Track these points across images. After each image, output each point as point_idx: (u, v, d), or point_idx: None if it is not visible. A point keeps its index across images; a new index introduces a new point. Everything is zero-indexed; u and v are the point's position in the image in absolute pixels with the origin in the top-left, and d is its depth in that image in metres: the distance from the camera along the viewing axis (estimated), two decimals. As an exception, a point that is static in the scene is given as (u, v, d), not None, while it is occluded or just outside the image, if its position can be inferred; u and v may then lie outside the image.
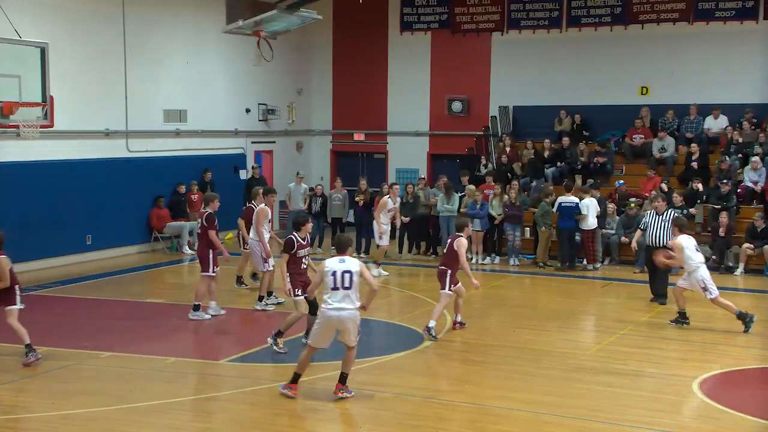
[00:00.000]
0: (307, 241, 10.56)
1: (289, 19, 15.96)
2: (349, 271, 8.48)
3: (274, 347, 10.51)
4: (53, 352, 10.47)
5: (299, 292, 10.27)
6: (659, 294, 13.82)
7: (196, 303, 12.36)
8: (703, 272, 12.01)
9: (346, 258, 8.61)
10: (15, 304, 9.86)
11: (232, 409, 8.68)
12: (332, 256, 8.84)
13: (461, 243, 11.33)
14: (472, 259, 17.91)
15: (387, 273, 16.43)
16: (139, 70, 18.54)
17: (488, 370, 10.23)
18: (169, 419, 8.28)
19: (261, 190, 13.83)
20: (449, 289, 11.42)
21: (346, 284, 8.46)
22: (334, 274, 8.47)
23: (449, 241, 11.56)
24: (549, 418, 8.39)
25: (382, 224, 16.60)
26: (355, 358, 8.85)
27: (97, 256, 17.62)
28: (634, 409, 8.74)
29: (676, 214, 13.45)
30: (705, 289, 11.96)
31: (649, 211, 14.51)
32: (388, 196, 16.92)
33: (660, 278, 13.84)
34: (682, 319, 12.20)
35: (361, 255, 18.46)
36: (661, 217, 13.63)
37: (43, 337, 11.00)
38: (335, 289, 8.48)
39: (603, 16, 21.41)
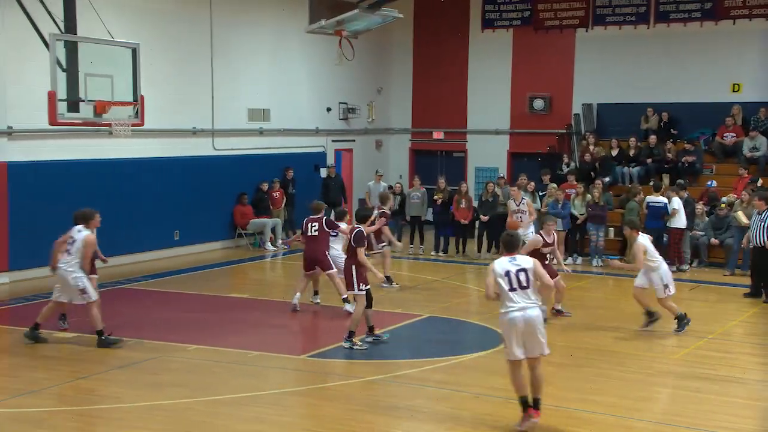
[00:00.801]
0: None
1: (370, 18, 16.04)
2: (523, 269, 7.84)
3: (354, 347, 10.55)
4: (142, 344, 10.84)
5: (363, 287, 10.59)
6: None
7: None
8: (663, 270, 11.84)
9: (517, 256, 7.98)
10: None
11: (311, 404, 8.81)
12: (496, 256, 8.29)
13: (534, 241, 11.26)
14: (553, 259, 17.64)
15: None
16: (225, 70, 18.99)
17: (569, 372, 10.08)
18: (252, 412, 8.46)
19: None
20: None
21: (524, 283, 7.81)
22: (507, 274, 7.81)
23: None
24: (632, 423, 8.23)
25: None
26: (543, 373, 7.96)
27: (184, 251, 18.12)
28: (720, 415, 8.48)
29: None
30: (666, 286, 11.73)
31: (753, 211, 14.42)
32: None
33: None
34: (651, 318, 11.90)
35: (440, 253, 18.46)
36: (760, 216, 13.46)
37: (133, 329, 11.41)
38: (513, 290, 7.80)
39: (692, 12, 20.80)
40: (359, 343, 10.65)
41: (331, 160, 22.16)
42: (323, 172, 21.50)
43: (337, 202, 20.83)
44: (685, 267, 16.77)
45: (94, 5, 13.64)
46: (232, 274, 16.81)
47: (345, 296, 12.28)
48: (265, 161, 20.01)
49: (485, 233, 18.59)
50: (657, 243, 16.55)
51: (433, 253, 18.65)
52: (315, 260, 12.77)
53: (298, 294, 12.87)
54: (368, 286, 10.73)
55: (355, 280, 10.56)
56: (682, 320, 11.81)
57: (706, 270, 16.83)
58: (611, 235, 18.02)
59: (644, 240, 11.90)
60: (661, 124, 20.63)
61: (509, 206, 16.78)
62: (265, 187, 19.66)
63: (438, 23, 23.62)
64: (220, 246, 19.11)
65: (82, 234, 10.69)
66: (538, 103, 22.51)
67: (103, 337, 10.57)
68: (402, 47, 24.21)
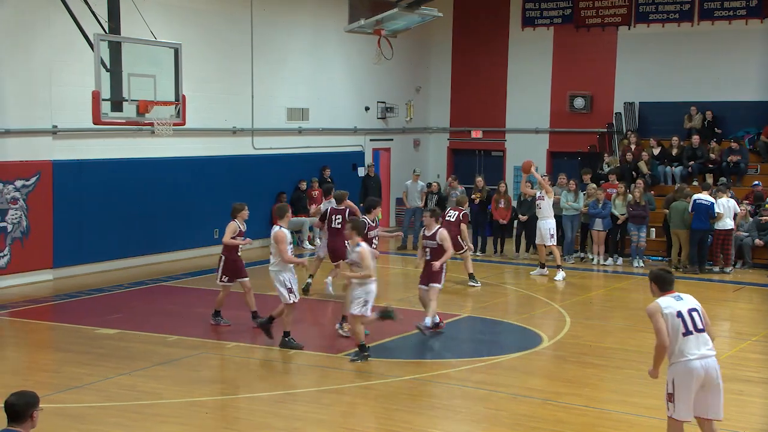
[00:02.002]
0: (377, 223, 11.69)
1: (409, 17, 16.01)
2: (695, 309, 6.62)
3: (339, 331, 11.15)
4: (183, 340, 10.97)
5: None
6: None
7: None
8: None
9: (681, 294, 6.75)
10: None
11: (348, 403, 8.82)
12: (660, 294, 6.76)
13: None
14: (593, 259, 17.51)
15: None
16: (264, 69, 19.11)
17: (608, 374, 9.97)
18: (289, 410, 8.50)
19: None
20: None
21: (699, 325, 6.57)
22: (680, 315, 6.55)
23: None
24: (673, 426, 8.08)
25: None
26: None
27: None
28: (763, 418, 8.30)
29: None
30: None
31: None
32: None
33: None
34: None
35: (477, 253, 18.37)
36: None
37: (174, 327, 11.55)
38: (688, 333, 6.52)
39: (738, 9, 20.43)
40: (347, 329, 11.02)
41: (369, 159, 22.18)
42: (361, 171, 21.53)
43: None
44: (729, 269, 16.47)
45: (137, 5, 13.83)
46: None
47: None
48: (303, 160, 20.10)
49: (523, 233, 18.45)
50: (702, 243, 16.37)
51: (470, 252, 18.53)
52: (335, 251, 12.89)
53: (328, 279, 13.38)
54: None
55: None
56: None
57: (750, 271, 16.52)
58: (652, 235, 17.76)
59: None
60: (705, 123, 20.28)
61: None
62: (304, 186, 19.75)
63: (477, 22, 23.51)
64: (259, 244, 19.20)
65: (273, 231, 10.67)
66: (579, 102, 22.29)
67: (287, 339, 10.57)
68: (441, 46, 24.14)
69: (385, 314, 10.41)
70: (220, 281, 11.70)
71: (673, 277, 6.81)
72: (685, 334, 6.50)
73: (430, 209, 12.11)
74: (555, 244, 15.72)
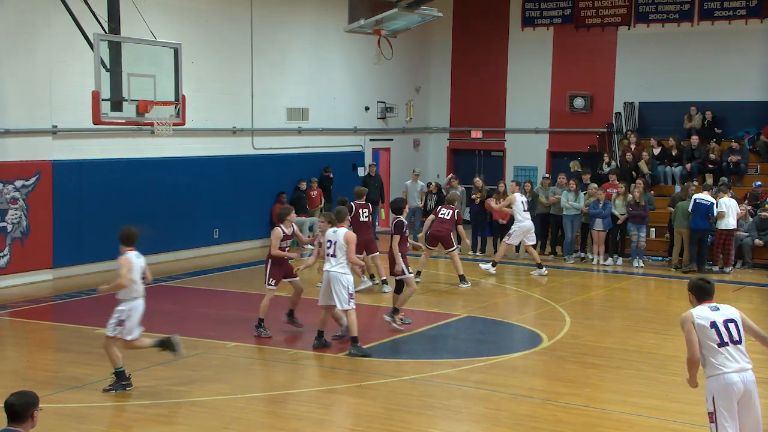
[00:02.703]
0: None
1: (409, 17, 16.01)
2: (732, 320, 6.30)
3: (393, 324, 11.43)
4: (183, 340, 10.87)
5: (411, 269, 11.52)
6: None
7: None
8: None
9: (719, 304, 6.43)
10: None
11: (349, 403, 8.82)
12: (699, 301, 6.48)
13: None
14: (593, 259, 17.51)
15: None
16: (264, 69, 19.11)
17: (609, 374, 9.97)
18: (290, 410, 8.50)
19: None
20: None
21: (735, 337, 6.27)
22: (714, 325, 6.24)
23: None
24: (674, 426, 8.10)
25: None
26: None
27: (223, 249, 18.29)
28: (764, 419, 8.28)
29: None
30: None
31: None
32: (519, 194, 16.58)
33: None
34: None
35: (477, 253, 18.37)
36: None
37: (173, 326, 11.53)
38: (723, 345, 6.21)
39: (737, 9, 20.45)
40: (399, 321, 11.44)
41: (369, 159, 22.18)
42: (361, 171, 21.52)
43: (377, 201, 20.86)
44: (729, 269, 16.47)
45: (137, 5, 13.83)
46: (271, 273, 16.87)
47: (384, 278, 13.86)
48: (303, 160, 20.10)
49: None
50: (701, 243, 16.37)
51: (470, 252, 18.56)
52: (367, 243, 13.46)
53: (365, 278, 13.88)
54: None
55: (403, 263, 11.31)
56: None
57: (750, 271, 16.52)
58: (652, 235, 17.76)
59: None
60: (705, 123, 20.29)
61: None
62: (303, 186, 19.76)
63: (477, 22, 23.51)
64: (259, 244, 19.24)
65: (341, 233, 10.30)
66: (579, 102, 22.30)
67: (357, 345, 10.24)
68: (441, 46, 24.14)
69: (164, 344, 9.09)
70: (268, 285, 11.23)
71: (711, 286, 6.50)
72: (720, 345, 6.20)
73: (325, 213, 11.63)
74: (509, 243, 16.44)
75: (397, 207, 11.94)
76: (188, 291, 14.56)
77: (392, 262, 11.38)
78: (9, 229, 14.25)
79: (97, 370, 9.53)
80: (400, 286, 11.57)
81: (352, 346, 10.25)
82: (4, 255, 14.20)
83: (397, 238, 11.34)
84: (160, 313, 12.38)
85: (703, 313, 6.28)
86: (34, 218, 14.58)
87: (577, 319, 12.52)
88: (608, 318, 12.87)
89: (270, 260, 11.21)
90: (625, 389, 9.26)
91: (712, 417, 6.19)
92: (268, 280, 11.22)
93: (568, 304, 13.54)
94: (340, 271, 10.22)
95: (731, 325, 6.25)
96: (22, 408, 5.12)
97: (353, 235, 10.42)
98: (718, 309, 6.33)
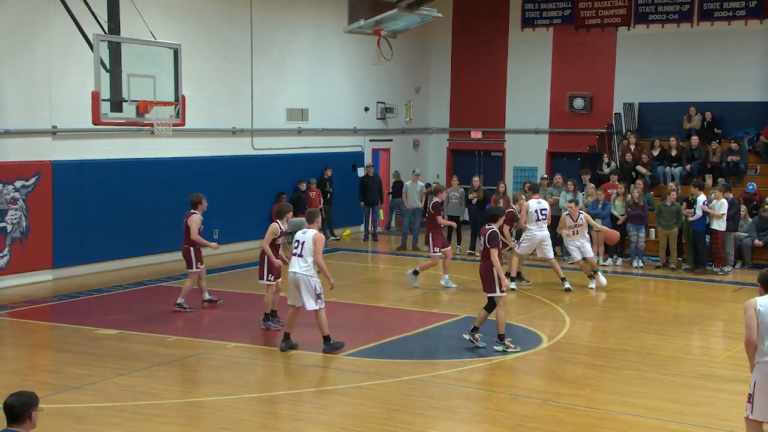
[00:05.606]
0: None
1: (409, 17, 16.02)
2: None
3: (508, 350, 10.46)
4: (183, 341, 10.97)
5: (504, 289, 10.70)
6: None
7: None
8: None
9: None
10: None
11: (348, 403, 8.82)
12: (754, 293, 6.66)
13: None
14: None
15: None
16: (264, 69, 19.12)
17: (609, 375, 9.96)
18: (289, 410, 8.50)
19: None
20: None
21: None
22: None
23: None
24: (674, 426, 8.10)
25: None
26: None
27: (223, 249, 18.24)
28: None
29: None
30: None
31: None
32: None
33: None
34: None
35: (476, 253, 18.33)
36: None
37: (173, 327, 11.54)
38: None
39: (737, 10, 20.46)
40: (511, 345, 10.52)
41: (368, 159, 22.18)
42: (360, 172, 21.52)
43: (375, 201, 20.88)
44: (728, 269, 16.47)
45: (137, 5, 13.83)
46: (271, 273, 16.86)
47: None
48: (303, 161, 20.10)
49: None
50: (700, 243, 16.36)
51: (469, 252, 18.56)
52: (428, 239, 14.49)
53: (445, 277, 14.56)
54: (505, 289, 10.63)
55: (497, 281, 10.45)
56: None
57: (750, 272, 16.51)
58: (652, 235, 17.77)
59: None
60: (705, 123, 20.29)
61: (564, 222, 15.29)
62: (303, 186, 19.75)
63: (477, 22, 23.52)
64: (259, 244, 19.22)
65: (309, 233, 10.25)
66: (578, 102, 22.31)
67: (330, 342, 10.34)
68: (440, 47, 24.15)
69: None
70: (267, 280, 11.35)
71: None
72: None
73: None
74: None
75: (492, 215, 10.90)
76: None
77: (490, 278, 10.51)
78: (9, 230, 14.25)
79: (97, 370, 9.53)
80: (491, 305, 10.71)
81: (326, 344, 10.31)
82: (4, 255, 14.20)
83: (495, 251, 10.38)
84: (159, 314, 12.40)
85: (765, 302, 6.44)
86: (34, 218, 14.57)
87: (577, 319, 12.53)
88: (608, 318, 12.87)
89: (265, 256, 11.22)
90: (625, 390, 9.25)
91: (750, 398, 6.45)
92: (267, 276, 11.26)
93: (567, 305, 13.54)
94: (307, 273, 10.13)
95: None
96: (20, 409, 5.12)
97: (322, 237, 10.34)
98: None
